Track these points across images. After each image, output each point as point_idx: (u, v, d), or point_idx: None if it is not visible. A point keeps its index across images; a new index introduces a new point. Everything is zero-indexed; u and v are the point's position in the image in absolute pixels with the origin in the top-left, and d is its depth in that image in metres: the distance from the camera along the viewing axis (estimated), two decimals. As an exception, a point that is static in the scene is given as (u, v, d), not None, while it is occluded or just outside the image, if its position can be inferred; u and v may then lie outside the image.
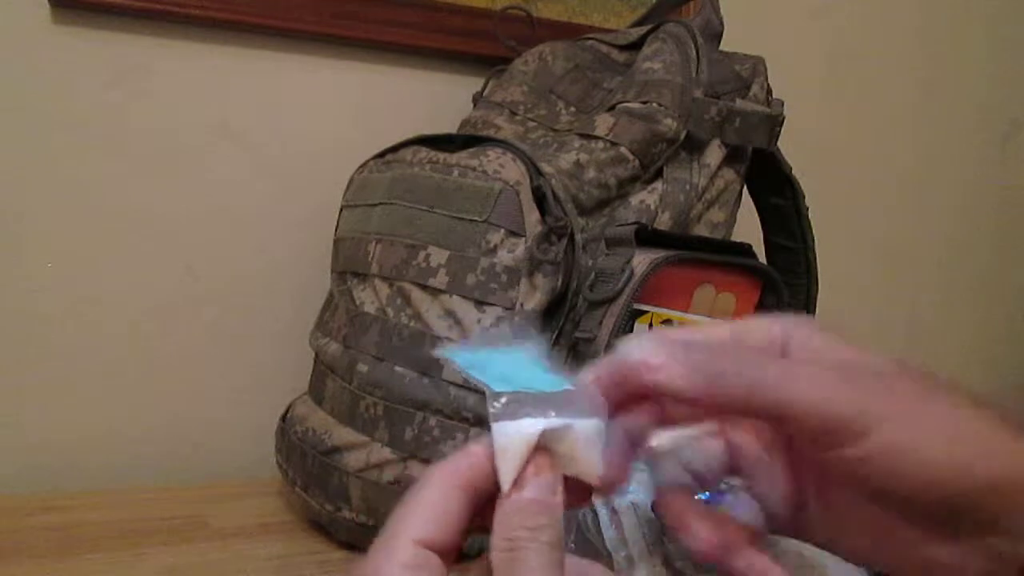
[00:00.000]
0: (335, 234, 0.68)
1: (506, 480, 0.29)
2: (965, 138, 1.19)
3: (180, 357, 0.78)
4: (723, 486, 0.35)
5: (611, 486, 0.31)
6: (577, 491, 0.30)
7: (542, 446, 0.30)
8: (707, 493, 0.35)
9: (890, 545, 0.30)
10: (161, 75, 0.75)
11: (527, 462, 0.30)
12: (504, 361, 0.32)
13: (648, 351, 0.30)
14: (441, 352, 0.32)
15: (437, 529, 0.29)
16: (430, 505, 0.29)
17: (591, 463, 0.30)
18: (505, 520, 0.29)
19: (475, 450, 0.30)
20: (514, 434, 0.30)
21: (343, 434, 0.58)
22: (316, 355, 0.66)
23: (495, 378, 0.31)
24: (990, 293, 1.24)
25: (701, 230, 0.64)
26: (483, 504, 0.30)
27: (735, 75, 0.66)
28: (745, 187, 0.69)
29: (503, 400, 0.30)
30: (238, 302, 0.79)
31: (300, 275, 0.79)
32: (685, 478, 0.34)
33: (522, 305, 0.54)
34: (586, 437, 0.30)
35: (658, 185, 0.62)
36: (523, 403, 0.30)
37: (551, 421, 0.30)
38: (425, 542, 0.28)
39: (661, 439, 0.33)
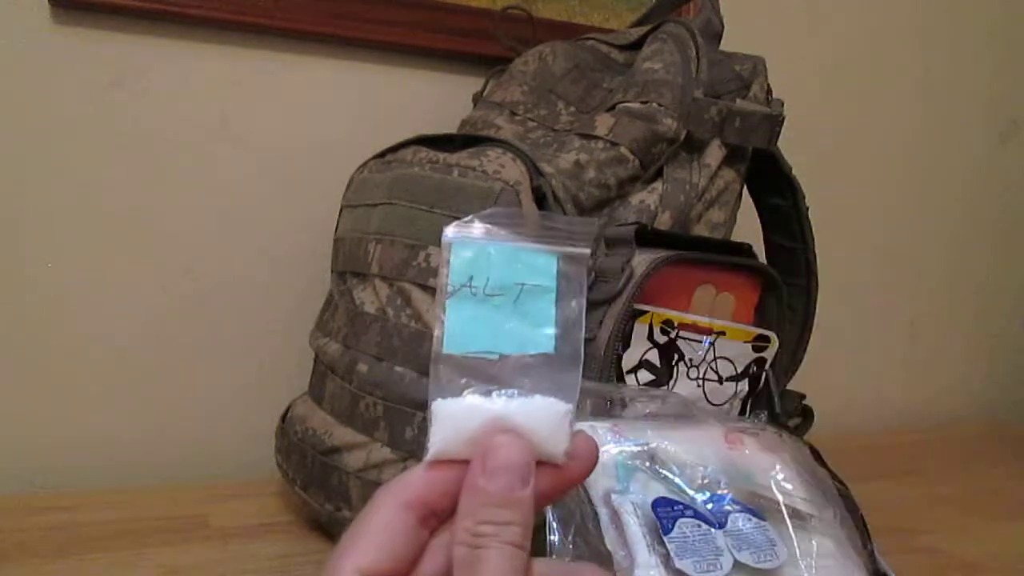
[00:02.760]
0: (335, 234, 0.68)
1: (433, 453, 0.27)
2: (964, 138, 1.19)
3: (180, 357, 0.78)
4: None
5: (580, 469, 0.29)
6: (549, 478, 0.29)
7: (503, 427, 0.28)
8: None
9: None
10: (161, 75, 0.75)
11: (491, 444, 0.27)
12: (499, 270, 0.29)
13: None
14: (446, 232, 0.28)
15: (383, 556, 0.27)
16: (376, 531, 0.28)
17: (556, 441, 0.28)
18: (470, 511, 0.27)
19: (429, 469, 0.29)
20: (458, 413, 0.27)
21: (343, 434, 0.59)
22: (316, 355, 0.66)
23: (468, 319, 0.28)
24: (990, 292, 1.24)
25: (701, 230, 0.64)
26: (440, 523, 0.29)
27: (735, 75, 0.66)
28: (745, 187, 0.69)
29: (452, 369, 0.27)
30: (238, 302, 0.79)
31: (300, 275, 0.80)
32: None
33: (522, 305, 0.54)
34: (548, 413, 0.28)
35: (658, 185, 0.62)
36: (475, 370, 0.28)
37: (506, 401, 0.27)
38: (370, 572, 0.27)
39: None
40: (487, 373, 0.28)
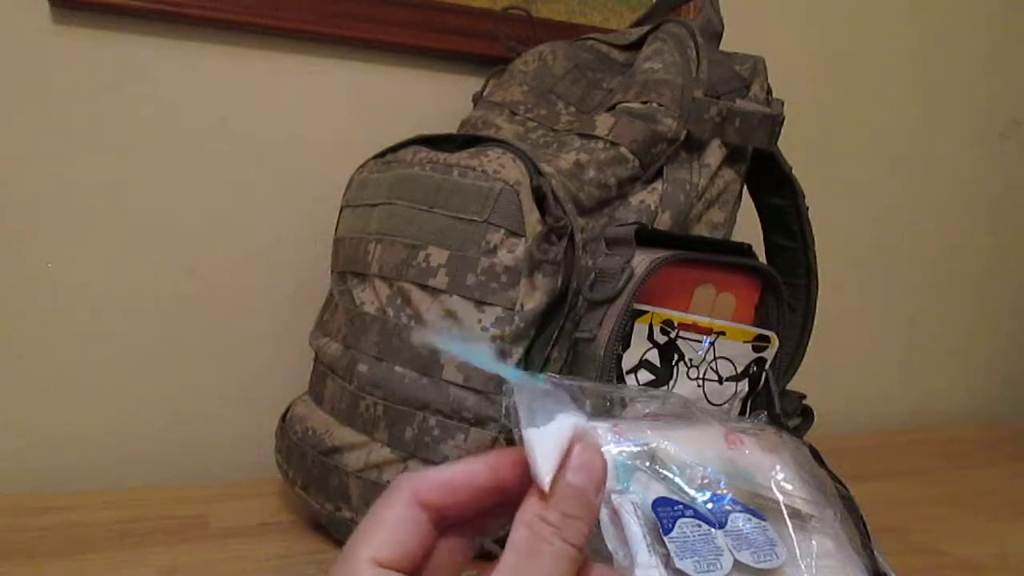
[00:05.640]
0: (335, 234, 0.68)
1: (545, 479, 0.29)
2: (964, 137, 1.19)
3: (180, 357, 0.78)
4: None
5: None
6: None
7: (583, 434, 0.31)
8: None
9: None
10: (161, 75, 0.75)
11: (577, 446, 0.30)
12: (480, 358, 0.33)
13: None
14: (435, 341, 0.32)
15: (397, 550, 0.28)
16: (391, 524, 0.29)
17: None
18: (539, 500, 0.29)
19: (447, 470, 0.30)
20: (551, 435, 0.30)
21: (343, 434, 0.59)
22: (316, 355, 0.66)
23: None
24: (990, 292, 1.24)
25: (701, 230, 0.64)
26: (447, 525, 0.30)
27: (735, 75, 0.66)
28: (745, 187, 0.69)
29: (529, 398, 0.31)
30: (238, 302, 0.79)
31: (300, 275, 0.80)
32: None
33: (522, 305, 0.54)
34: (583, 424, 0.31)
35: (658, 185, 0.62)
36: (545, 398, 0.31)
37: (576, 416, 0.31)
38: (385, 563, 0.28)
39: None
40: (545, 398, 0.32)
